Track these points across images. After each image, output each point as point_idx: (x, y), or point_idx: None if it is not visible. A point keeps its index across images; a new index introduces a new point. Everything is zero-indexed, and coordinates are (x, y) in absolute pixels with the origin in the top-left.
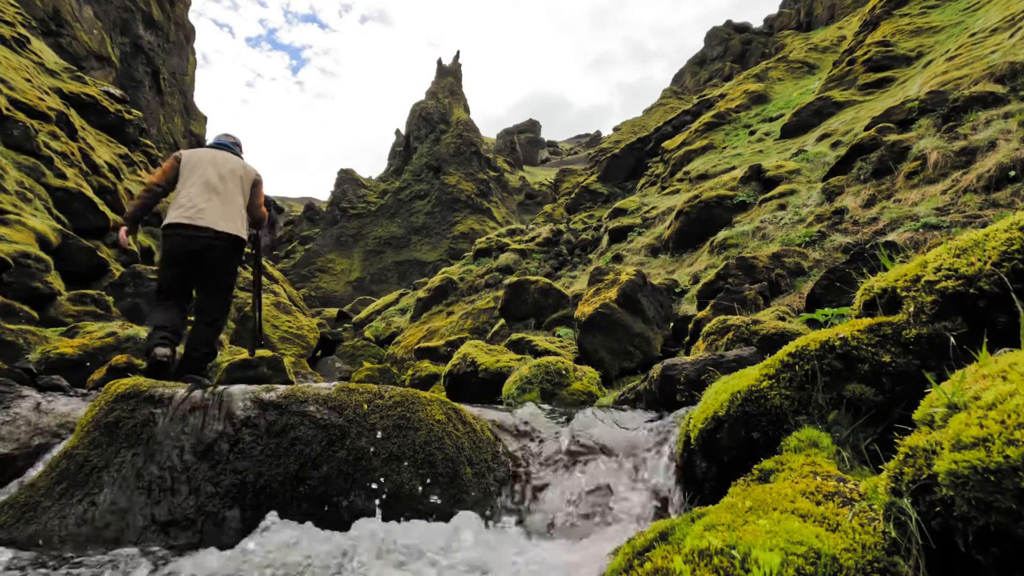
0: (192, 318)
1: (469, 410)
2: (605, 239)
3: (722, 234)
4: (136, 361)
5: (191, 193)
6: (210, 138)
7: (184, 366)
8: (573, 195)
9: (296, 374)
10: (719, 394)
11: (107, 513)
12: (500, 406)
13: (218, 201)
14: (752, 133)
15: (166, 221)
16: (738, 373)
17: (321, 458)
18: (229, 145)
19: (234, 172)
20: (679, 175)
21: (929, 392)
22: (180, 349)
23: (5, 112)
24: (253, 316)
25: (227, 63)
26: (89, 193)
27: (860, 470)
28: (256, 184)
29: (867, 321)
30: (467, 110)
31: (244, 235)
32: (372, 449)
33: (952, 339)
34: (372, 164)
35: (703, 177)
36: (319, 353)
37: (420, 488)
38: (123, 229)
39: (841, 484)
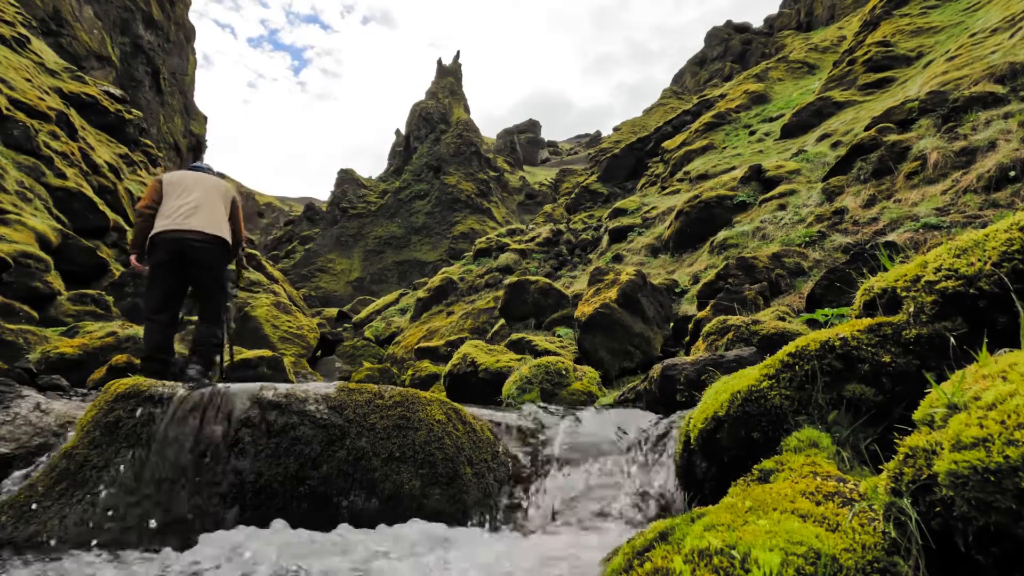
0: (196, 320)
1: (469, 410)
2: (605, 239)
3: (722, 234)
4: (136, 361)
5: (176, 204)
6: (210, 141)
7: (194, 356)
8: (573, 195)
9: (296, 374)
10: (719, 394)
11: (107, 513)
12: (500, 406)
13: (202, 210)
14: (752, 133)
15: (153, 232)
16: (738, 373)
17: (321, 458)
18: (205, 168)
19: (216, 186)
20: (679, 175)
21: (929, 392)
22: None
23: (5, 112)
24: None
25: (229, 63)
26: (89, 193)
27: (860, 470)
28: (234, 200)
29: (867, 321)
30: (467, 110)
31: (228, 239)
32: (372, 449)
33: (952, 339)
34: (372, 164)
35: (703, 177)
36: (319, 353)
37: (420, 488)
38: (132, 257)
39: (841, 484)
